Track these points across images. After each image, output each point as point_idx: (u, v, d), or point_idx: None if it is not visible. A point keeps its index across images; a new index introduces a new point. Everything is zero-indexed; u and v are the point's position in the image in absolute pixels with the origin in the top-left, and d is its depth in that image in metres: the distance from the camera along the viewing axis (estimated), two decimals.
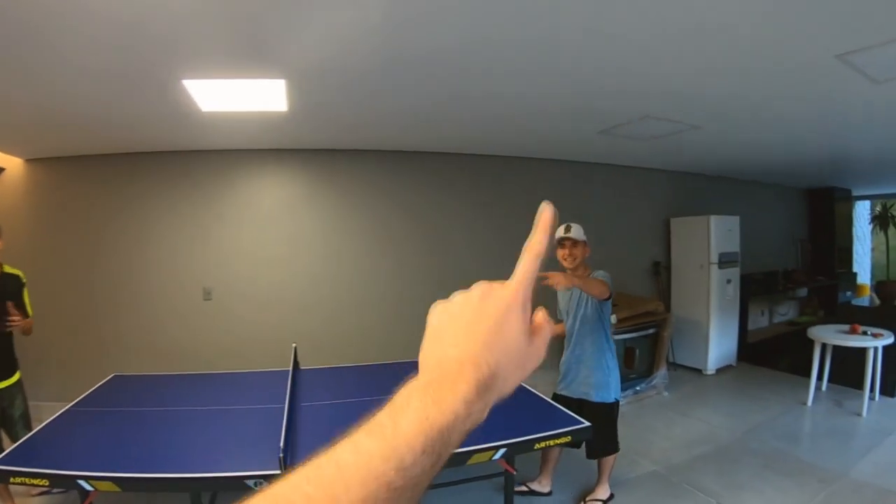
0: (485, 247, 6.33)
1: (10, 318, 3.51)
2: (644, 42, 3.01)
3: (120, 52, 2.99)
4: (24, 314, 3.70)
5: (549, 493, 4.03)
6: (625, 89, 3.88)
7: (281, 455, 2.45)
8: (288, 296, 5.89)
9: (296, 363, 4.55)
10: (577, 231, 3.60)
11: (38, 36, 2.74)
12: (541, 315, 0.69)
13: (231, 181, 5.79)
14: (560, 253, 3.61)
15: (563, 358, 3.85)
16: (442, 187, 6.29)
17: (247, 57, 3.13)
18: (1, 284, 3.64)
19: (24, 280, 3.81)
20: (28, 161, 5.68)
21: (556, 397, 3.81)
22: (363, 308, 6.06)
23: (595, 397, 3.65)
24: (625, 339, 5.76)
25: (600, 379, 3.65)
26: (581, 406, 3.61)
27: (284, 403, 3.40)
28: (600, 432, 3.45)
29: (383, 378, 4.45)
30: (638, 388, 5.95)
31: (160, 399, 4.02)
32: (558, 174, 6.78)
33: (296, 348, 4.69)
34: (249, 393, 4.16)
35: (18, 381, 3.84)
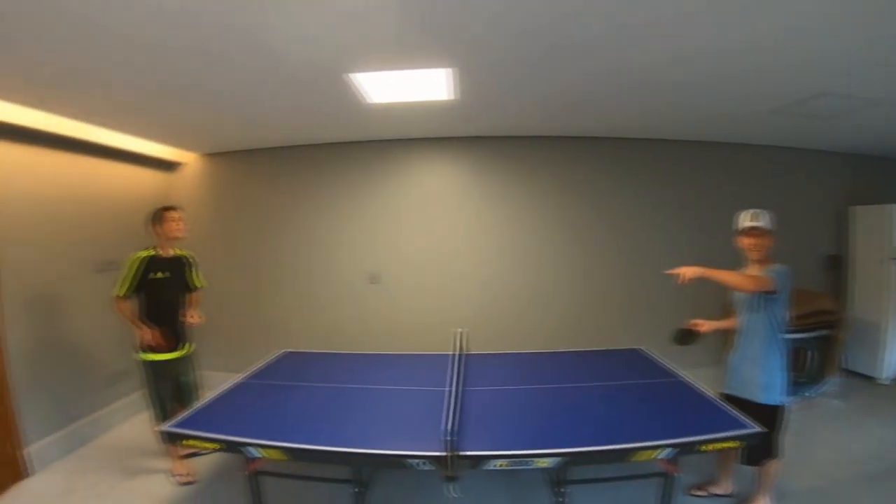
0: (659, 231, 6.25)
1: (190, 313, 4.34)
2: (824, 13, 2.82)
3: (291, 54, 3.25)
4: (191, 289, 4.56)
5: (732, 494, 3.92)
6: (802, 64, 3.63)
7: (447, 438, 2.53)
8: (451, 282, 6.16)
9: (461, 348, 4.70)
10: (764, 219, 3.47)
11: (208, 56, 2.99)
12: None
13: (396, 170, 6.14)
14: (746, 242, 3.51)
15: (731, 354, 3.70)
16: (612, 172, 6.21)
17: (415, 47, 3.23)
18: (179, 266, 4.38)
19: (191, 260, 4.54)
20: (204, 155, 6.49)
21: (721, 396, 3.65)
22: (527, 296, 6.16)
23: (760, 398, 3.47)
24: (793, 340, 5.42)
25: (767, 379, 3.46)
26: (745, 407, 3.43)
27: (449, 387, 3.52)
28: (761, 437, 3.29)
29: (548, 367, 4.50)
30: (807, 393, 5.61)
31: (327, 376, 4.30)
32: (724, 156, 6.45)
33: (461, 333, 4.85)
34: (414, 374, 4.32)
35: (191, 353, 4.44)
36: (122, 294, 4.09)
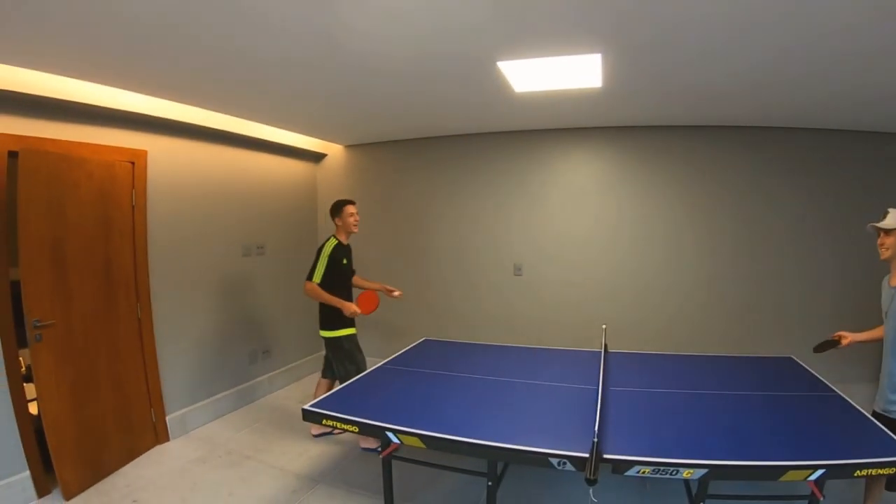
0: (821, 234, 5.96)
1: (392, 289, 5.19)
2: None
3: (438, 43, 3.39)
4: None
5: None
6: None
7: (595, 439, 2.62)
8: (594, 276, 6.26)
9: (605, 346, 4.79)
10: (891, 218, 3.35)
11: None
12: None
13: (541, 160, 6.32)
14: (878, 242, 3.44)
15: (884, 369, 3.49)
16: (764, 166, 5.99)
17: (563, 32, 3.26)
18: (351, 254, 5.06)
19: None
20: (348, 147, 7.10)
21: (874, 415, 3.48)
22: (672, 294, 6.13)
23: None
24: None
25: None
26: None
27: (596, 386, 3.61)
28: None
29: (693, 372, 4.51)
30: None
31: (467, 365, 4.51)
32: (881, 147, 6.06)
33: (605, 330, 4.93)
34: (556, 369, 4.45)
35: (339, 337, 4.84)
36: (318, 282, 4.69)
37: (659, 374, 4.37)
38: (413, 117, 5.49)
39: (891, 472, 2.89)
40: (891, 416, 3.36)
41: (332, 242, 4.77)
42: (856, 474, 2.81)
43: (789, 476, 2.73)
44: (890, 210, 3.40)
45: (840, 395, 3.84)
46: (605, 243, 6.19)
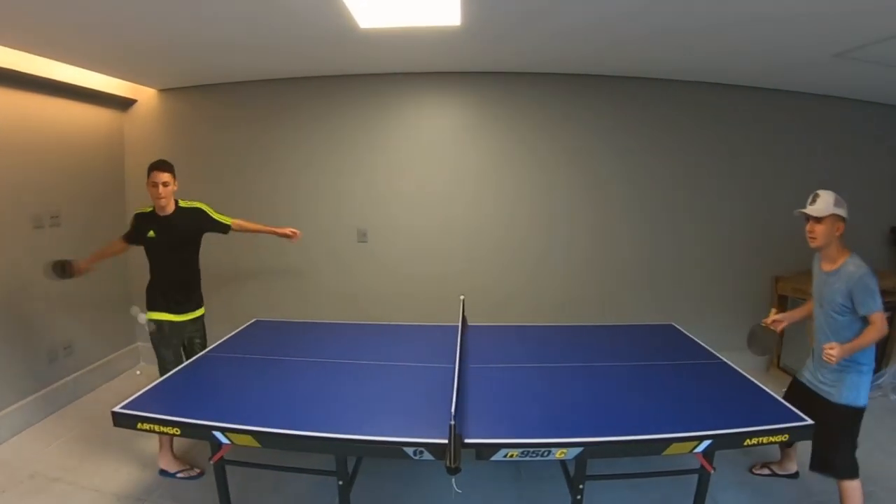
0: (698, 191, 6.08)
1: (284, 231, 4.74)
2: None
3: None
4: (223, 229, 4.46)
5: (797, 474, 3.95)
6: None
7: (452, 422, 2.37)
8: (451, 241, 5.95)
9: (464, 318, 4.55)
10: (821, 203, 3.28)
11: None
12: None
13: (390, 109, 5.84)
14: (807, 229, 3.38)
15: (816, 346, 3.49)
16: (646, 119, 5.96)
17: None
18: (174, 225, 4.16)
19: (206, 210, 4.37)
20: (162, 91, 6.10)
21: (795, 382, 3.64)
22: (540, 260, 5.99)
23: (832, 396, 3.30)
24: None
25: (841, 377, 3.29)
26: (814, 401, 3.33)
27: (454, 364, 3.37)
28: (831, 441, 3.22)
29: (566, 344, 4.40)
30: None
31: (306, 349, 4.17)
32: (780, 105, 6.12)
33: (464, 301, 4.68)
34: (408, 348, 4.20)
35: (203, 316, 4.41)
36: (122, 236, 4.28)
37: (527, 348, 4.23)
38: (239, 54, 4.86)
39: (783, 438, 2.86)
40: (816, 390, 3.41)
41: (138, 210, 4.23)
42: (745, 443, 2.73)
43: (673, 449, 2.62)
44: (820, 193, 3.31)
45: (725, 362, 3.85)
46: (465, 204, 5.92)
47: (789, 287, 5.99)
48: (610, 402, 3.12)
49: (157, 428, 2.88)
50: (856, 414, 3.27)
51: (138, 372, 6.15)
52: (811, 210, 3.30)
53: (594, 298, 6.02)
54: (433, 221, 5.93)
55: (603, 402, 3.14)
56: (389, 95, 5.81)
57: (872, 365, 3.33)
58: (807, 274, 4.15)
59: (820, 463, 3.35)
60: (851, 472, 3.27)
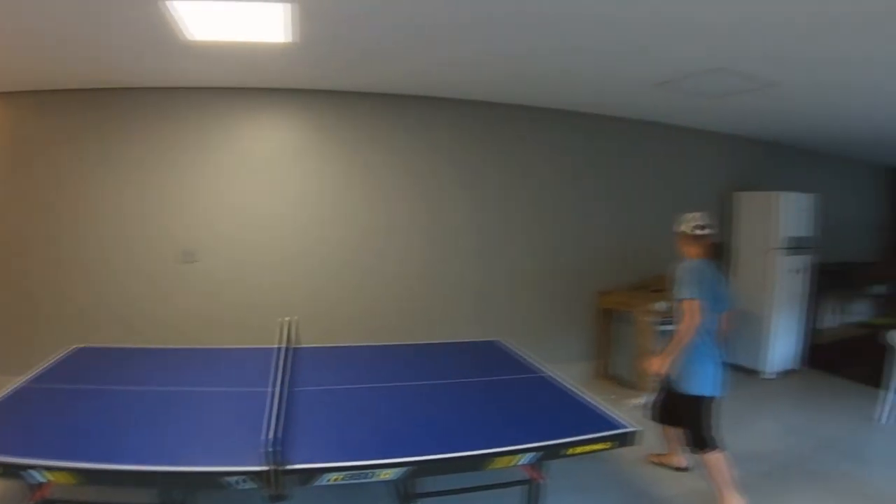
0: (527, 210, 6.38)
1: None
2: None
3: None
4: None
5: (689, 469, 4.34)
6: (693, 33, 3.73)
7: (268, 449, 2.37)
8: (282, 261, 5.81)
9: (289, 340, 4.49)
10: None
11: None
12: None
13: (220, 125, 5.63)
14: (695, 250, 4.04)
15: None
16: (482, 141, 6.19)
17: None
18: None
19: None
20: None
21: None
22: (373, 280, 5.99)
23: (679, 388, 3.89)
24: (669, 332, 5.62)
25: (691, 369, 3.83)
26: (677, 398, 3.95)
27: (273, 388, 3.35)
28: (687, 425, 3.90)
29: (392, 363, 4.48)
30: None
31: (129, 377, 3.98)
32: (611, 130, 6.72)
33: (290, 322, 4.63)
34: (236, 372, 4.13)
35: None
36: None
37: (357, 369, 4.30)
38: (53, 61, 4.56)
39: (606, 446, 3.01)
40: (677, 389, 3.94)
41: None
42: (568, 452, 2.87)
43: (497, 464, 2.72)
44: (699, 216, 4.08)
45: (550, 376, 4.06)
46: (298, 223, 5.83)
47: (612, 301, 6.52)
48: (437, 421, 3.21)
49: None
50: (699, 401, 3.83)
51: None
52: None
53: (426, 317, 6.10)
54: (266, 241, 5.77)
55: (430, 420, 3.22)
56: (218, 110, 5.62)
57: (714, 357, 3.88)
58: (629, 288, 4.62)
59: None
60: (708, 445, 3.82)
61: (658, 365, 3.80)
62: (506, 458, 2.72)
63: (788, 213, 6.87)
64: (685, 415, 3.87)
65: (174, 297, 5.67)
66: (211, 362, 4.43)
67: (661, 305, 4.62)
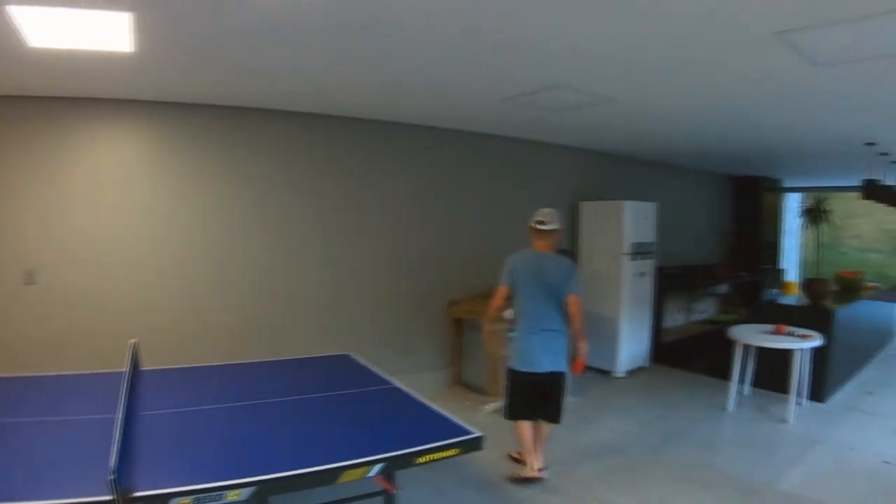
0: (378, 222, 6.52)
1: None
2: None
3: None
4: None
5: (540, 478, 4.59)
6: (532, 52, 3.94)
7: (111, 477, 2.35)
8: (131, 282, 5.56)
9: (135, 364, 4.38)
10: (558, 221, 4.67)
11: None
12: None
13: (66, 137, 5.30)
14: (541, 243, 4.60)
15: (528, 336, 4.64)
16: (329, 153, 6.24)
17: None
18: None
19: None
20: None
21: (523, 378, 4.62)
22: (219, 296, 5.87)
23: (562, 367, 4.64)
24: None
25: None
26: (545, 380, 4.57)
27: (117, 413, 3.27)
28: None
29: (239, 381, 4.46)
30: None
31: None
32: (461, 144, 6.99)
33: (135, 345, 4.51)
34: (80, 399, 3.98)
35: None
36: None
37: (203, 390, 4.26)
38: None
39: (453, 453, 3.14)
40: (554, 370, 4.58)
41: None
42: (417, 461, 2.98)
43: (346, 476, 2.78)
44: (545, 212, 4.58)
45: (398, 387, 4.18)
46: (147, 242, 5.61)
47: (462, 310, 6.79)
48: (286, 437, 3.25)
49: None
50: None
51: None
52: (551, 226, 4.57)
53: (277, 333, 6.04)
54: (112, 259, 5.49)
55: (279, 437, 3.27)
56: (62, 122, 5.29)
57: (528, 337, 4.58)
58: (480, 296, 4.96)
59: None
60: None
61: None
62: (356, 471, 2.79)
63: (632, 220, 7.32)
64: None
65: (13, 321, 5.25)
66: (49, 389, 4.22)
67: (508, 313, 4.83)
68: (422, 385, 4.23)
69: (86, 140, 5.38)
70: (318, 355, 5.15)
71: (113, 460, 2.47)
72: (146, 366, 4.60)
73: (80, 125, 5.34)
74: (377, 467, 2.85)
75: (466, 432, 3.24)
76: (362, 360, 4.88)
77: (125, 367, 4.24)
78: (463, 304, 6.77)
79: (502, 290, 4.58)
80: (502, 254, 4.70)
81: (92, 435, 3.26)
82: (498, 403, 5.10)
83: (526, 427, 4.56)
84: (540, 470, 4.52)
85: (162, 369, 4.69)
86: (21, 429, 3.43)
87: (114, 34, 3.59)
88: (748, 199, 11.73)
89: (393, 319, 6.61)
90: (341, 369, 4.73)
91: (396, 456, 2.92)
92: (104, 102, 5.36)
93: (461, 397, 6.35)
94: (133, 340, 4.56)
